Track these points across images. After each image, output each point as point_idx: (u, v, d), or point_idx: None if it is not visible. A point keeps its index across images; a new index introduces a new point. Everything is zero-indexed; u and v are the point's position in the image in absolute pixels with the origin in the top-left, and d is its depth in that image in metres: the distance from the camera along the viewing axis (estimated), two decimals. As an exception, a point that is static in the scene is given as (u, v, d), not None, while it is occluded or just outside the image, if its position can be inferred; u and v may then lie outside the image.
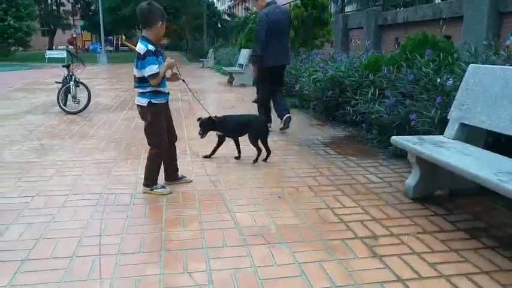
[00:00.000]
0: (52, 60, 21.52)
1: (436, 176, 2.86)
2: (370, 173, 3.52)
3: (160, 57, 2.83)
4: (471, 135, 2.85)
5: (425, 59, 3.99)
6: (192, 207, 2.77)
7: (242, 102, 7.66)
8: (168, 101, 3.00)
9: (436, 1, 7.72)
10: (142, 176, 3.06)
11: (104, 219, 2.58)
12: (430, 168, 2.79)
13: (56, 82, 6.83)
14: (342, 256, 2.15)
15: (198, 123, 3.67)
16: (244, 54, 10.80)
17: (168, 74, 2.95)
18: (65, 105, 6.42)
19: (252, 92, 9.07)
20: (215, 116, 3.68)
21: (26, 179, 3.33)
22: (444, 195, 2.97)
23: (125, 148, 4.33)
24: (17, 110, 6.66)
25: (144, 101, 2.84)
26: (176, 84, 3.05)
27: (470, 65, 2.95)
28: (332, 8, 10.63)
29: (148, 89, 2.82)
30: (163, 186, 3.02)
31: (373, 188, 3.17)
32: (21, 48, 26.34)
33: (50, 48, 29.60)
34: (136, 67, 2.79)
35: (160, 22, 2.78)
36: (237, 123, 3.83)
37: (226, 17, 36.66)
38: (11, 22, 22.74)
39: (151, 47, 2.74)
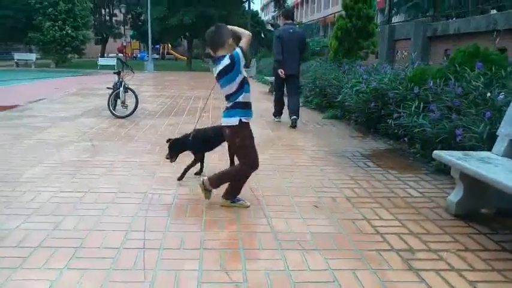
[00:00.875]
0: (104, 67, 23.12)
1: (481, 193, 2.80)
2: (411, 187, 3.49)
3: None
4: (522, 152, 2.76)
5: (476, 72, 3.90)
6: (230, 211, 2.91)
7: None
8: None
9: (492, 12, 7.43)
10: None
11: (148, 217, 2.79)
12: (475, 185, 2.73)
13: (107, 88, 7.36)
14: (376, 266, 2.18)
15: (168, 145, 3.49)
16: (287, 64, 10.95)
17: None
18: (114, 109, 6.89)
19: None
20: (188, 134, 3.48)
21: (80, 176, 3.65)
22: (490, 214, 2.88)
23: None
24: (73, 113, 7.24)
25: (234, 120, 2.77)
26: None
27: (523, 79, 2.87)
28: (379, 19, 10.54)
29: (240, 98, 2.76)
30: (243, 200, 3.02)
31: (413, 202, 3.14)
32: (76, 56, 28.41)
33: (102, 56, 31.70)
34: (229, 82, 2.73)
35: (230, 39, 2.76)
36: (208, 138, 3.54)
37: (269, 27, 37.21)
38: (69, 31, 24.66)
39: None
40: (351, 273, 2.12)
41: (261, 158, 4.07)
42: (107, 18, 40.25)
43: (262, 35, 33.41)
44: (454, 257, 2.29)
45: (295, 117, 6.08)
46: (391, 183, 3.59)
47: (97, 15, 37.45)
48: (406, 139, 4.50)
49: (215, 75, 2.80)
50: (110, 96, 6.91)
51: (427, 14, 8.53)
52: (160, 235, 2.52)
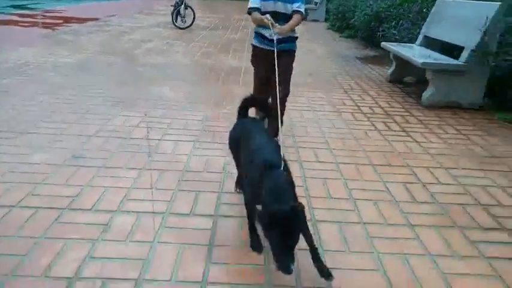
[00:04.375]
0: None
1: (405, 68, 4.98)
2: (374, 70, 5.72)
3: None
4: (430, 43, 4.86)
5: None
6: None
7: (308, 32, 9.83)
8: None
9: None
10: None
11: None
12: (401, 62, 4.91)
13: (171, 6, 9.69)
14: (347, 119, 4.54)
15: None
16: (321, -7, 12.66)
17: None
18: (175, 22, 9.27)
19: (321, 26, 11.13)
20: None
21: (167, 54, 6.16)
22: (411, 82, 5.09)
23: (220, 48, 6.99)
24: (145, 24, 9.74)
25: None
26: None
27: (438, -1, 4.89)
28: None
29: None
30: None
31: (371, 76, 5.40)
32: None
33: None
34: None
35: None
36: None
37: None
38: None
39: None
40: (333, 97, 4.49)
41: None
42: None
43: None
44: (371, 91, 4.60)
45: None
46: (364, 69, 5.83)
47: None
48: (387, 47, 6.56)
49: None
50: (173, 12, 9.26)
51: None
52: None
